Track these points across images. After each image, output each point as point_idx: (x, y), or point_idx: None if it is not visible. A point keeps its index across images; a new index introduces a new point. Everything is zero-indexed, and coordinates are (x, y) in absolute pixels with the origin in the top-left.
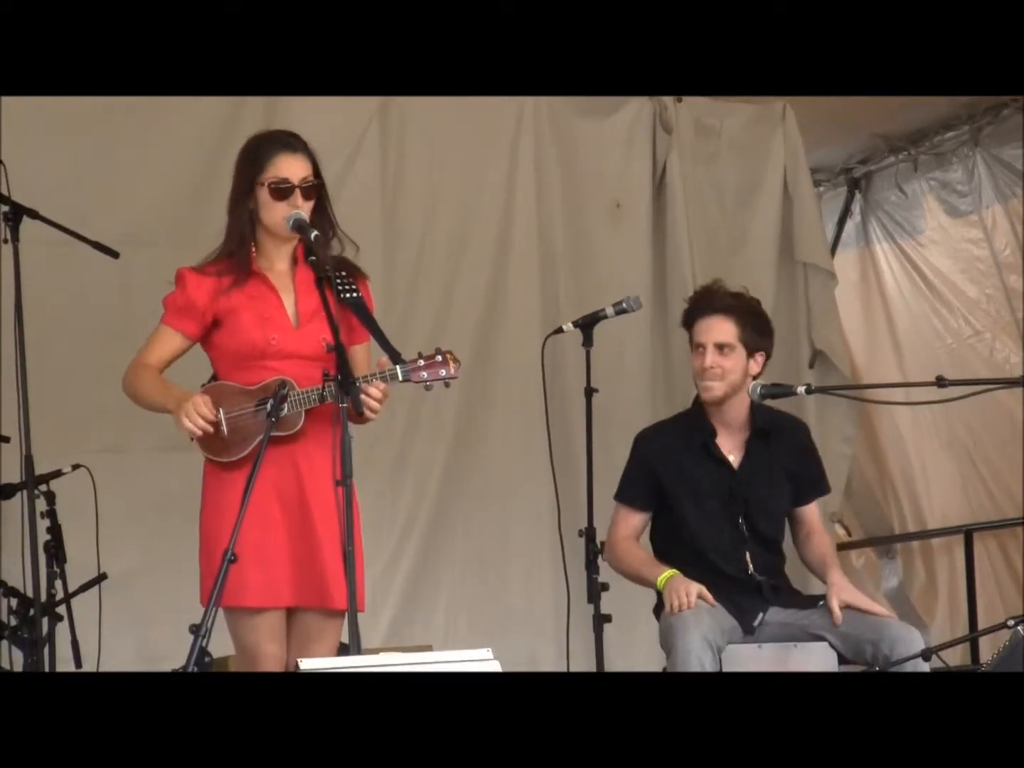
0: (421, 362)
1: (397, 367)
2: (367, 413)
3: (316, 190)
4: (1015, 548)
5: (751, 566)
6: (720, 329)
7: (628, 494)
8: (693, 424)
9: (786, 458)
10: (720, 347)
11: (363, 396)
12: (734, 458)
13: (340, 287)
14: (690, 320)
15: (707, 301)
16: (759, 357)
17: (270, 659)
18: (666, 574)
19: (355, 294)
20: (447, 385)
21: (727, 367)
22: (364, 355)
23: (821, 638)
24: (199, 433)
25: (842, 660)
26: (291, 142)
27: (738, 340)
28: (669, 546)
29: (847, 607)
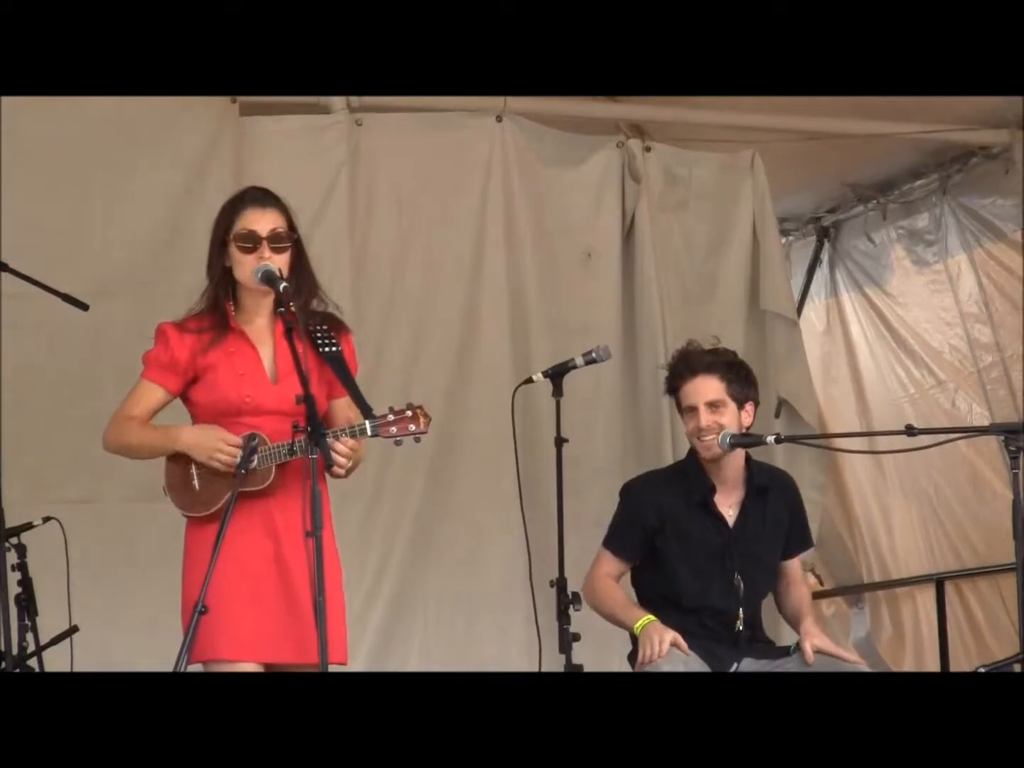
0: (391, 417)
1: (366, 423)
2: (335, 469)
3: (290, 244)
4: (975, 598)
5: (740, 619)
6: (708, 388)
7: (617, 544)
8: (690, 478)
9: (780, 514)
10: (712, 405)
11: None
12: (731, 514)
13: (319, 341)
14: (674, 385)
15: (687, 363)
16: (749, 407)
17: None
18: (643, 620)
19: (333, 348)
20: (417, 440)
21: (723, 423)
22: (346, 409)
23: None
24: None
25: None
26: (259, 197)
27: (726, 395)
28: (655, 598)
29: (819, 652)
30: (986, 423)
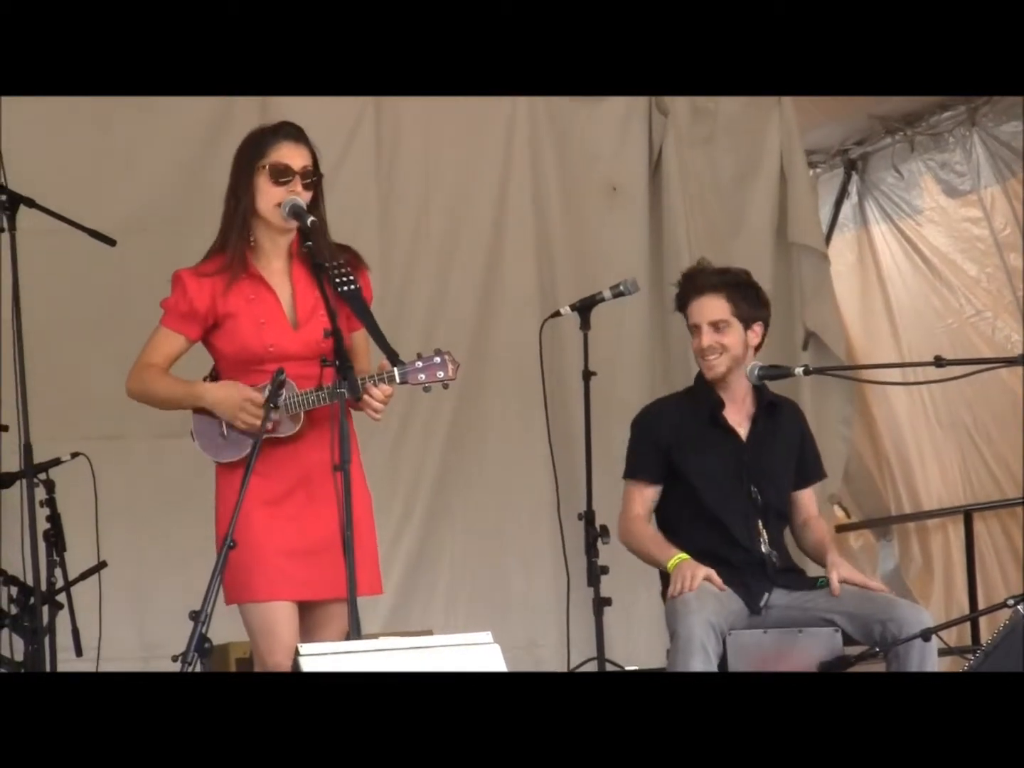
0: (419, 364)
1: (395, 370)
2: (371, 414)
3: (315, 184)
4: (1016, 528)
5: (763, 536)
6: (712, 307)
7: (638, 469)
8: (699, 397)
9: (791, 433)
10: (715, 325)
11: (366, 397)
12: (742, 430)
13: (337, 279)
14: (683, 303)
15: (695, 282)
16: (757, 328)
17: (284, 648)
18: (676, 558)
19: (352, 287)
20: (445, 387)
21: (726, 343)
22: (363, 342)
23: (828, 620)
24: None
25: (847, 640)
26: (294, 132)
27: (732, 315)
28: (679, 516)
29: (846, 582)
30: None
